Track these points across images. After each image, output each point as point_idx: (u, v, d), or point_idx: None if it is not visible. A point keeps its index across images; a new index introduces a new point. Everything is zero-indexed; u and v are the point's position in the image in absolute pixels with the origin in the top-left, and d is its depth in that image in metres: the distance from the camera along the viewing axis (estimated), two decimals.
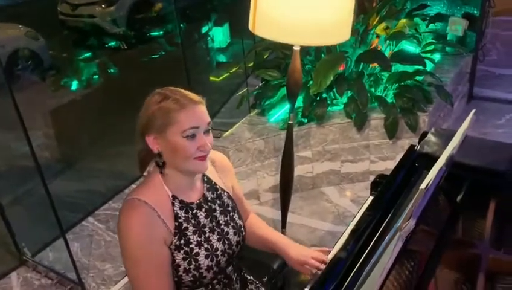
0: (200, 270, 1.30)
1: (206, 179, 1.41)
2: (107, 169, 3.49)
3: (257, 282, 1.61)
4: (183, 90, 1.28)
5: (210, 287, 1.37)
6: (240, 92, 3.38)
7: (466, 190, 1.45)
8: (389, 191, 1.37)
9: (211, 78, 4.77)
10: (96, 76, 4.17)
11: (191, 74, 3.59)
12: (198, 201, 1.35)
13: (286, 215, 2.49)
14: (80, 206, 3.14)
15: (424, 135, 1.62)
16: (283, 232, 2.56)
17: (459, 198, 1.44)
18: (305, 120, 3.07)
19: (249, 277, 1.60)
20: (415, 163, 1.52)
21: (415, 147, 1.56)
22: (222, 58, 5.08)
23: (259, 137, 3.02)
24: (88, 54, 4.22)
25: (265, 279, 1.75)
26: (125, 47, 4.28)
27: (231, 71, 4.55)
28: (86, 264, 2.65)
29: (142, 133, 1.27)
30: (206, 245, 1.32)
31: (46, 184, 2.26)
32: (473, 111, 1.26)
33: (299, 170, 3.13)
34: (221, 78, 4.67)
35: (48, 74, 4.19)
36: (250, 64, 3.51)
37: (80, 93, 3.96)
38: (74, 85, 3.99)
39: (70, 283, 2.49)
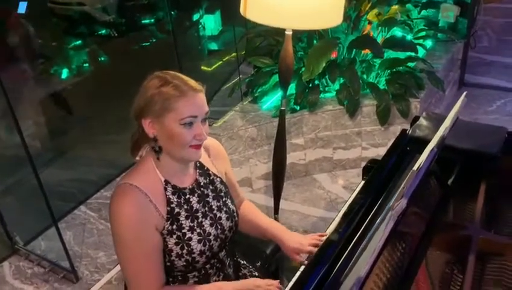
0: (193, 255, 1.31)
1: (198, 165, 1.40)
2: (99, 157, 3.47)
3: (250, 267, 1.61)
4: (183, 76, 1.27)
5: (203, 271, 1.37)
6: (233, 81, 3.37)
7: (457, 173, 1.46)
8: (381, 175, 1.37)
9: (203, 67, 4.73)
10: (87, 64, 4.12)
11: (182, 61, 3.56)
12: (190, 186, 1.35)
13: (279, 202, 2.49)
14: (71, 195, 3.12)
15: (416, 119, 1.62)
16: (276, 219, 2.57)
17: (450, 181, 1.45)
18: (298, 107, 3.06)
19: (242, 262, 1.60)
20: (406, 147, 1.52)
21: (407, 131, 1.56)
22: (214, 46, 5.04)
23: (252, 125, 3.01)
24: (78, 42, 4.16)
25: (258, 264, 1.76)
26: (116, 35, 4.23)
27: (224, 59, 4.52)
28: (78, 252, 2.64)
29: (138, 116, 1.26)
30: (198, 230, 1.32)
31: (38, 173, 2.25)
32: (464, 94, 1.26)
33: (291, 157, 3.14)
34: (213, 66, 4.64)
35: (37, 62, 4.13)
36: (243, 52, 3.48)
37: (70, 81, 3.92)
38: (64, 73, 3.95)
39: (63, 271, 2.48)
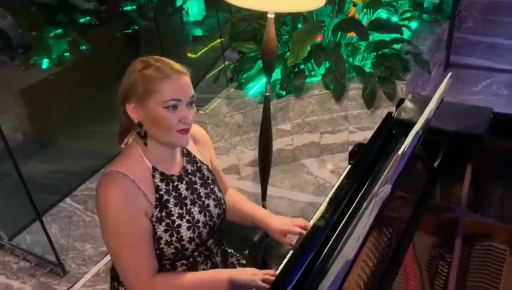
0: (182, 242, 1.29)
1: (185, 152, 1.38)
2: (83, 148, 3.42)
3: (238, 255, 1.60)
4: (167, 59, 1.24)
5: (191, 259, 1.35)
6: (219, 68, 3.32)
7: (443, 155, 1.45)
8: (366, 159, 1.36)
9: (188, 53, 4.66)
10: (68, 53, 4.02)
11: (166, 48, 3.49)
12: (178, 173, 1.33)
13: (266, 188, 2.48)
14: (56, 187, 3.07)
15: (401, 101, 1.60)
16: (263, 205, 2.56)
17: (436, 164, 1.44)
18: (284, 93, 3.03)
19: (230, 250, 1.59)
20: (392, 130, 1.50)
21: (392, 114, 1.54)
22: (198, 32, 4.96)
23: (238, 111, 2.98)
24: (58, 31, 4.06)
25: (246, 252, 1.74)
26: (97, 22, 4.14)
27: (210, 45, 4.45)
28: (65, 245, 2.61)
29: (123, 102, 1.24)
30: (187, 217, 1.30)
31: (18, 167, 2.20)
32: (449, 75, 1.24)
33: (278, 143, 3.12)
34: (199, 53, 4.57)
35: (17, 52, 4.04)
36: (228, 38, 3.42)
37: (51, 71, 3.84)
38: (45, 63, 3.85)
39: (50, 265, 2.45)
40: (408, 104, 1.55)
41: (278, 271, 1.25)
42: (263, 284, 1.25)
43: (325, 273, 1.03)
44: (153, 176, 1.27)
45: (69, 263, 2.49)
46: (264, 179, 2.41)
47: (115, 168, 1.23)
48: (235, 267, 1.55)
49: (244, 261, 1.58)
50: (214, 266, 1.44)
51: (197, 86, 3.63)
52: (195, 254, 1.36)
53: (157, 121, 1.20)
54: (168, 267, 1.33)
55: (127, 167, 1.23)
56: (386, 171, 0.88)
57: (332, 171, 3.09)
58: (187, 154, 1.38)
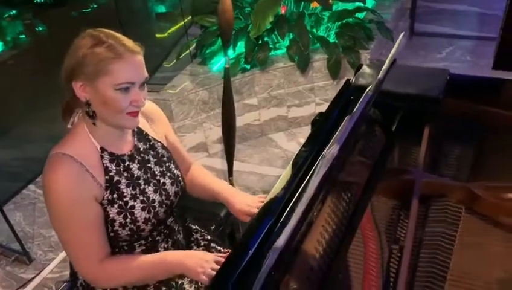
0: (137, 224, 1.26)
1: (137, 130, 1.33)
2: (45, 133, 3.30)
3: (203, 231, 1.58)
4: (120, 36, 1.16)
5: (150, 239, 1.33)
6: (187, 44, 3.24)
7: (401, 119, 1.45)
8: (324, 126, 1.34)
9: (152, 31, 4.53)
10: (23, 36, 3.85)
11: (127, 27, 3.37)
12: (130, 153, 1.29)
13: (232, 164, 2.46)
14: (18, 174, 2.98)
15: (360, 67, 1.59)
16: (230, 181, 2.54)
17: (393, 127, 1.44)
18: (248, 66, 2.99)
19: (194, 227, 1.57)
20: (350, 96, 1.49)
21: (351, 80, 1.53)
22: (161, 8, 4.82)
23: (202, 87, 2.92)
24: (12, 12, 3.87)
25: (212, 227, 1.73)
26: (53, 2, 3.97)
27: (179, 23, 4.33)
28: (30, 233, 2.54)
29: (69, 78, 1.16)
30: (141, 197, 1.27)
31: None
32: (402, 34, 1.23)
33: (246, 118, 3.09)
34: (166, 33, 4.45)
35: None
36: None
37: (7, 55, 3.68)
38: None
39: (15, 253, 2.39)
40: (366, 69, 1.54)
41: (237, 243, 1.23)
42: (212, 272, 1.18)
43: (279, 236, 1.01)
44: (102, 157, 1.22)
45: (35, 250, 2.44)
46: (229, 154, 2.38)
47: (60, 150, 1.18)
48: (200, 244, 1.53)
49: (209, 237, 1.56)
50: (176, 243, 1.41)
51: (162, 64, 3.54)
52: (154, 233, 1.33)
53: (106, 102, 1.14)
54: (126, 248, 1.30)
55: (73, 148, 1.19)
56: (336, 133, 0.87)
57: (300, 144, 3.08)
58: (138, 132, 1.33)
